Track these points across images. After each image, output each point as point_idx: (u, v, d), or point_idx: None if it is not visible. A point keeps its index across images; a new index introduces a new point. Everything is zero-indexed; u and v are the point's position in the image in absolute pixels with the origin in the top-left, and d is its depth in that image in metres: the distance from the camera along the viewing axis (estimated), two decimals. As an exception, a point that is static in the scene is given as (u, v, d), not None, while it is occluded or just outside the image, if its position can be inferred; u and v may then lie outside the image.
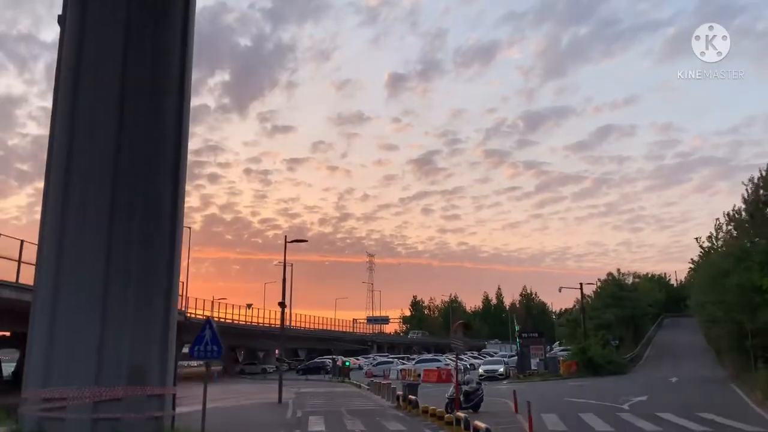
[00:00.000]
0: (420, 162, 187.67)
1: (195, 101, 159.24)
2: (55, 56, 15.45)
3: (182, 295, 57.34)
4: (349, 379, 46.95)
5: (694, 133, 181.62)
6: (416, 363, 51.58)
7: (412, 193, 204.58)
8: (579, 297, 62.63)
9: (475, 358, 68.54)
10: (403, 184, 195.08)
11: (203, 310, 62.79)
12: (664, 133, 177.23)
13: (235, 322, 69.71)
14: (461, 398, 21.01)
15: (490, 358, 48.34)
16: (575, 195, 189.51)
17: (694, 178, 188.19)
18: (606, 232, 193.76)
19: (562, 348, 60.45)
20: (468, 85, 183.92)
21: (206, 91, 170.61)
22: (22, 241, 27.39)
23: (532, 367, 45.28)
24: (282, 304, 27.80)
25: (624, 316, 48.61)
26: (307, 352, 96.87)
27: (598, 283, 55.22)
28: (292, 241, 28.96)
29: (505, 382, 38.53)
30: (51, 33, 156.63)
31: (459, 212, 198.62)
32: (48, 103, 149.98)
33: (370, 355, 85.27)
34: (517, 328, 48.98)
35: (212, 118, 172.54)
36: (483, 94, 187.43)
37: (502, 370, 40.46)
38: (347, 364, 49.07)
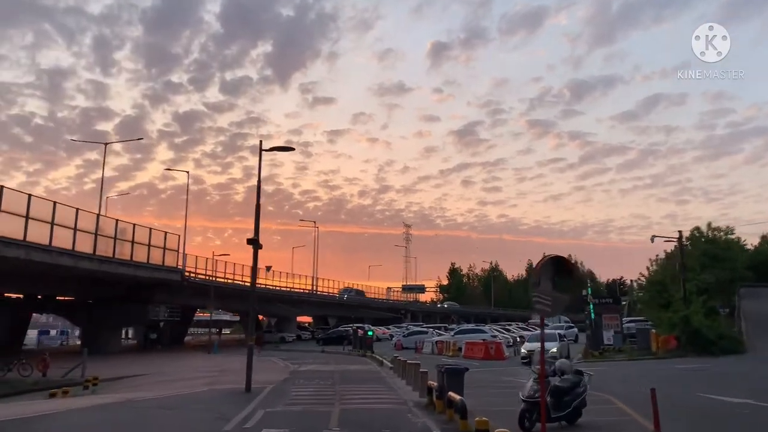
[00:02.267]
0: (461, 133, 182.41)
1: (237, 73, 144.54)
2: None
3: (178, 251, 48.69)
4: (372, 352, 37.59)
5: (748, 102, 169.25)
6: (456, 334, 41.82)
7: (453, 165, 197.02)
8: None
9: (523, 329, 58.46)
10: (443, 156, 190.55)
11: (205, 270, 54.11)
12: (716, 102, 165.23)
13: (245, 284, 60.95)
14: (548, 400, 11.03)
15: (539, 332, 36.33)
16: (620, 166, 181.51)
17: (746, 148, 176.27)
18: (651, 204, 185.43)
19: (629, 320, 49.67)
20: (513, 54, 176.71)
21: (248, 63, 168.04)
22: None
23: (605, 342, 34.97)
24: (254, 242, 18.08)
25: (724, 280, 37.64)
26: (338, 320, 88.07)
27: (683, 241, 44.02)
28: (271, 149, 19.12)
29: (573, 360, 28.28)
30: (98, 5, 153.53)
31: (500, 184, 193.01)
32: (95, 76, 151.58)
33: (403, 325, 75.94)
34: (588, 290, 38.19)
35: (254, 90, 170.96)
36: (528, 62, 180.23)
37: (555, 349, 27.88)
38: (370, 333, 39.65)
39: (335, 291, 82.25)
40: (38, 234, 32.83)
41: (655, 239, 38.54)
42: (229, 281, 57.66)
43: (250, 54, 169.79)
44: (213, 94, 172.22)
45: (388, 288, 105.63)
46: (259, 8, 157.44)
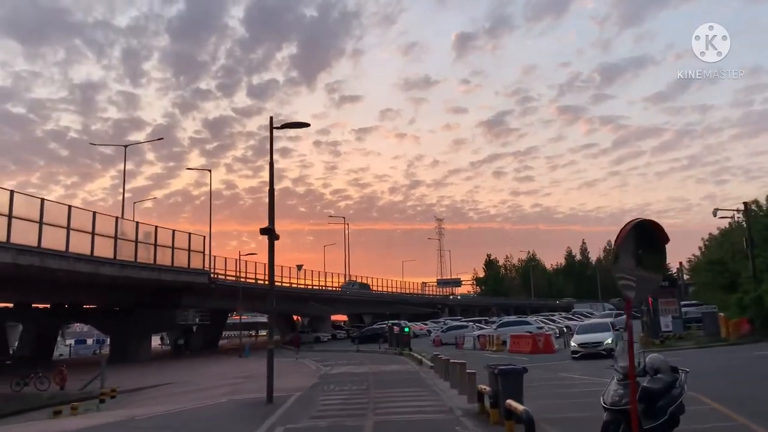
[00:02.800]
0: (490, 123, 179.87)
1: (264, 76, 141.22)
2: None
3: (203, 253, 46.99)
4: (410, 350, 35.25)
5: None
6: (499, 326, 39.14)
7: (483, 157, 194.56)
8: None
9: (568, 319, 55.42)
10: (473, 148, 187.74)
11: (236, 272, 52.42)
12: (753, 77, 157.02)
13: (281, 285, 59.13)
14: (638, 407, 8.45)
15: (587, 322, 32.65)
16: (655, 149, 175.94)
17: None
18: (688, 186, 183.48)
19: (683, 304, 46.25)
20: (539, 40, 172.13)
21: (274, 66, 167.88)
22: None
23: (663, 329, 31.97)
24: (269, 232, 15.83)
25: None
26: (373, 318, 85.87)
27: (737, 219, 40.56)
28: (282, 126, 16.83)
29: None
30: (125, 18, 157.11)
31: (532, 173, 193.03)
32: (126, 87, 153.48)
33: (441, 319, 73.35)
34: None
35: (281, 93, 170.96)
36: (555, 47, 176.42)
37: (610, 340, 23.87)
38: (406, 330, 37.28)
39: (371, 289, 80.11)
40: (54, 240, 31.40)
41: (718, 213, 35.09)
42: (259, 282, 55.87)
43: (275, 57, 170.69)
44: (241, 98, 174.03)
45: (422, 283, 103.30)
46: (283, 10, 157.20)
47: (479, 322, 51.64)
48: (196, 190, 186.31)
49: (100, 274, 35.07)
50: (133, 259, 37.68)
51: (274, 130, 16.66)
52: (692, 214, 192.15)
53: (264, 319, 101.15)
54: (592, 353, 23.09)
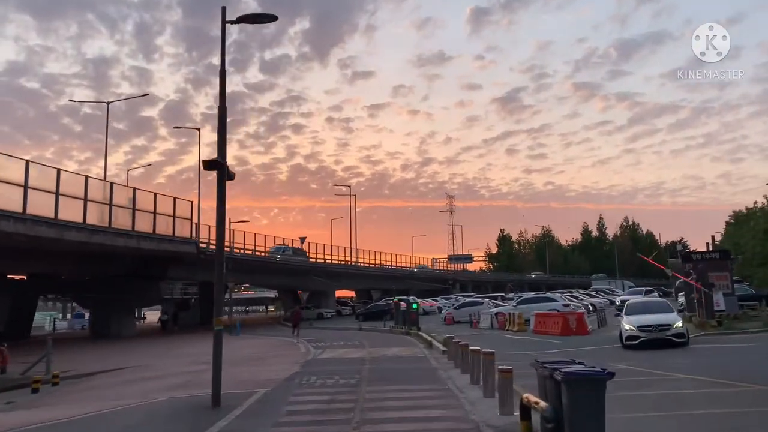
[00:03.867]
0: (504, 100, 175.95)
1: (276, 52, 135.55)
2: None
3: (191, 220, 42.59)
4: (418, 329, 30.84)
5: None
6: (519, 304, 34.54)
7: (496, 134, 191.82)
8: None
9: (591, 296, 50.76)
10: (486, 125, 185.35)
11: (230, 242, 47.92)
12: None
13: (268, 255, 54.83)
14: None
15: (637, 300, 26.46)
16: (671, 126, 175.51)
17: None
18: (704, 164, 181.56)
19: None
20: (556, 14, 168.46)
21: (287, 41, 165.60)
22: None
23: (715, 308, 27.28)
24: (217, 165, 11.18)
25: None
26: (381, 293, 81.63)
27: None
28: (238, 20, 12.06)
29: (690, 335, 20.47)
30: None
31: (546, 151, 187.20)
32: (138, 63, 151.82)
33: (452, 296, 68.92)
34: (682, 245, 30.06)
35: (294, 68, 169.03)
36: (572, 22, 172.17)
37: (680, 323, 19.38)
38: (414, 306, 32.73)
39: (377, 263, 75.57)
40: (11, 201, 27.16)
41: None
42: (257, 252, 51.57)
43: (287, 32, 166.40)
44: (253, 74, 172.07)
45: (433, 259, 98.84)
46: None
47: (494, 298, 47.06)
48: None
49: (65, 240, 30.69)
50: (106, 224, 33.40)
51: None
52: (706, 193, 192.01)
53: (271, 294, 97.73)
54: (656, 339, 18.24)
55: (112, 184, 35.45)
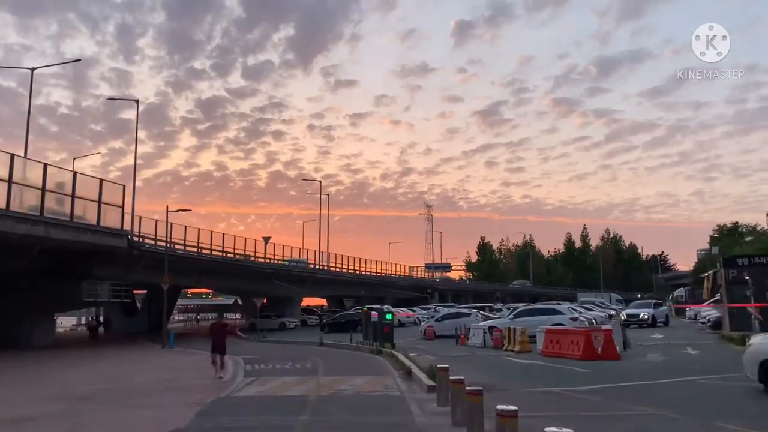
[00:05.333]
0: (485, 113, 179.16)
1: (259, 57, 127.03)
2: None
3: (122, 208, 35.42)
4: (392, 345, 24.25)
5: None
6: (516, 316, 28.04)
7: (476, 146, 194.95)
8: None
9: (587, 309, 44.52)
10: (466, 137, 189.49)
11: (167, 237, 40.88)
12: (749, 76, 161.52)
13: (230, 255, 47.79)
14: None
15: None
16: (647, 144, 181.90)
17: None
18: (678, 182, 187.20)
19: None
20: (539, 31, 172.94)
21: (270, 47, 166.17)
22: None
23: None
24: None
25: None
26: (355, 301, 74.80)
27: None
28: None
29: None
30: None
31: (524, 164, 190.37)
32: (119, 64, 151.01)
33: (431, 306, 62.47)
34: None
35: (276, 75, 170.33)
36: (554, 39, 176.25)
37: None
38: (388, 317, 25.90)
39: (349, 269, 68.76)
40: None
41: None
42: (215, 252, 44.58)
43: (272, 38, 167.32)
44: (235, 79, 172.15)
45: (410, 267, 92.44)
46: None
47: (481, 309, 40.52)
48: (186, 170, 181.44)
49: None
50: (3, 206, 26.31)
51: None
52: (679, 210, 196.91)
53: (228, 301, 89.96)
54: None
55: (12, 155, 28.28)
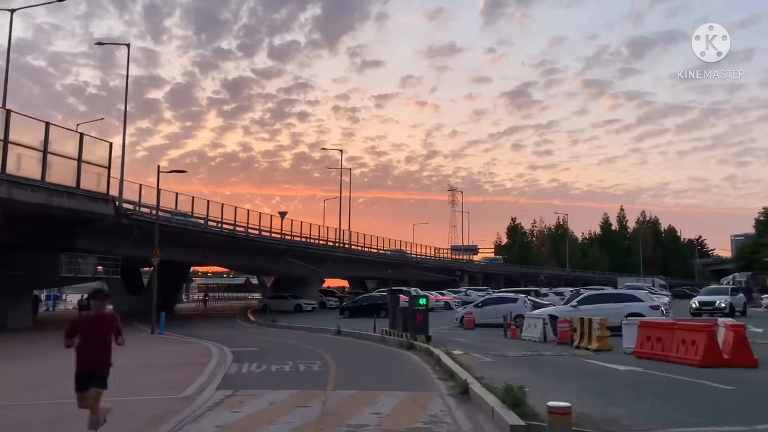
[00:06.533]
0: (513, 95, 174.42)
1: (285, 37, 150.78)
2: None
3: (108, 170, 30.38)
4: (427, 338, 18.92)
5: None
6: (582, 302, 22.27)
7: (503, 129, 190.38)
8: None
9: (654, 294, 38.51)
10: (494, 119, 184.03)
11: (153, 202, 35.90)
12: None
13: (240, 231, 42.67)
14: None
15: None
16: (679, 127, 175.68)
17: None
18: (710, 166, 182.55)
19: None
20: (570, 10, 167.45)
21: (297, 27, 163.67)
22: None
23: None
24: None
25: None
26: (378, 283, 69.74)
27: None
28: None
29: None
30: None
31: (552, 147, 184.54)
32: (146, 44, 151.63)
33: (461, 289, 56.92)
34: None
35: (302, 55, 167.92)
36: (585, 19, 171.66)
37: None
38: (422, 302, 20.25)
39: (371, 248, 63.22)
40: None
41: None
42: (227, 224, 39.61)
43: (298, 18, 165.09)
44: (261, 59, 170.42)
45: (434, 248, 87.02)
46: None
47: (526, 293, 34.70)
48: (212, 151, 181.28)
49: None
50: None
51: None
52: (710, 195, 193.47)
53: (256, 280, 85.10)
54: None
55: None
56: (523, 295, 29.69)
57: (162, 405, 9.37)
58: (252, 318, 40.32)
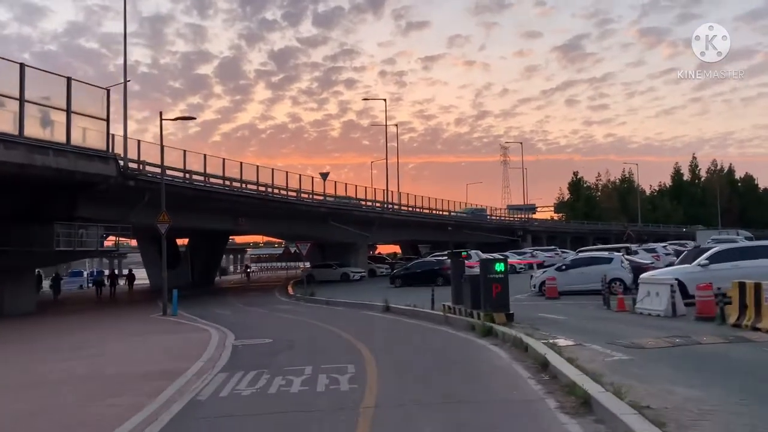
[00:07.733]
0: (566, 48, 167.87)
1: (330, 3, 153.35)
2: None
3: (107, 123, 25.56)
4: (508, 317, 13.37)
5: None
6: (714, 260, 16.22)
7: (556, 84, 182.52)
8: None
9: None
10: (546, 75, 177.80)
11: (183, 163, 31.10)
12: None
13: (275, 193, 37.63)
14: None
15: None
16: (743, 72, 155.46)
17: None
18: None
19: None
20: None
21: None
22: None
23: None
24: None
25: None
26: (431, 248, 64.42)
27: None
28: None
29: None
30: None
31: (608, 101, 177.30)
32: (193, 19, 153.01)
33: (525, 250, 50.95)
34: None
35: (347, 21, 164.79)
36: None
37: None
38: (499, 268, 14.67)
39: (423, 208, 57.50)
40: None
41: None
42: (256, 187, 34.69)
43: None
44: (306, 28, 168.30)
45: (490, 207, 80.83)
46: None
47: (616, 250, 28.45)
48: (262, 123, 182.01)
49: None
50: None
51: None
52: None
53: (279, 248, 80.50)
54: None
55: None
56: (620, 253, 23.66)
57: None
58: (290, 291, 35.56)
